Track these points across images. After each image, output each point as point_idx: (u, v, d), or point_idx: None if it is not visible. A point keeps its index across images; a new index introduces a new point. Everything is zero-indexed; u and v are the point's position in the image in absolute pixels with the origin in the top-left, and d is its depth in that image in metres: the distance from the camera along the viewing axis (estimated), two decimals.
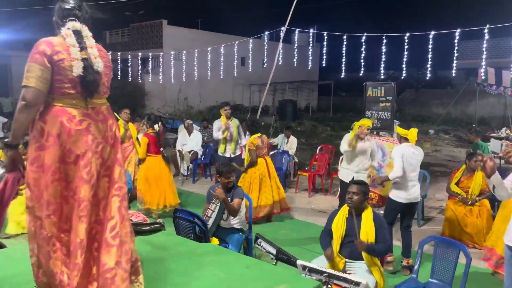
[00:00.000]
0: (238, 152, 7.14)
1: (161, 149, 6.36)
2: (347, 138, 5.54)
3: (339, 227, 3.51)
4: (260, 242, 3.27)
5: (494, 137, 11.88)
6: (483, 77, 11.83)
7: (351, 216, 3.49)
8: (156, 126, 6.33)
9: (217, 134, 7.01)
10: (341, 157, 8.34)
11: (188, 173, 9.15)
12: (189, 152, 9.06)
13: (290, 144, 9.25)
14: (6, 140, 2.13)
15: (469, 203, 5.55)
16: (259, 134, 6.37)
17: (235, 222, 4.27)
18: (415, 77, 25.72)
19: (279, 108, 22.64)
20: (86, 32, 2.20)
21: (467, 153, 7.20)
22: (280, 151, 8.81)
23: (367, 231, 3.38)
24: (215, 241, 3.95)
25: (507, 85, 11.72)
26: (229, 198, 4.22)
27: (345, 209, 3.58)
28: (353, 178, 5.16)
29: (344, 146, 5.49)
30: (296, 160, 9.50)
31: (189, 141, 9.22)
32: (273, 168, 6.38)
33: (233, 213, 4.12)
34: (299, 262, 2.86)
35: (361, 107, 27.35)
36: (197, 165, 9.17)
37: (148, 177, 6.19)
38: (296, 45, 11.76)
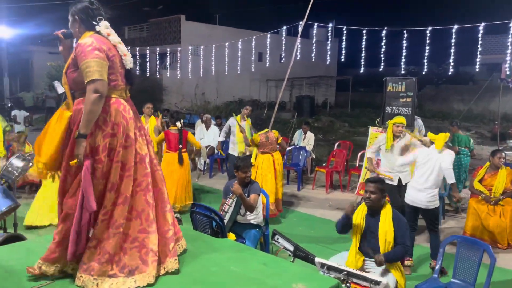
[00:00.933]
0: (247, 153, 7.08)
1: (180, 146, 6.29)
2: (379, 140, 5.45)
3: (358, 223, 3.45)
4: (277, 239, 3.22)
5: None
6: (507, 73, 11.48)
7: (370, 214, 3.42)
8: (178, 124, 6.32)
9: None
10: (359, 154, 8.26)
11: (205, 168, 9.16)
12: (206, 147, 9.07)
13: (308, 140, 9.15)
14: (80, 132, 2.23)
15: (492, 202, 5.40)
16: (265, 130, 6.28)
17: (251, 217, 4.24)
18: (435, 72, 25.20)
19: (296, 103, 22.50)
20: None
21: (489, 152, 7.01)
22: (298, 146, 8.73)
23: (385, 230, 3.30)
24: (232, 236, 3.93)
25: None
26: (246, 194, 4.18)
27: (364, 206, 3.51)
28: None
29: (371, 149, 5.47)
30: (314, 156, 9.41)
31: (207, 136, 9.22)
32: (280, 165, 6.19)
33: (250, 208, 4.08)
34: (317, 259, 2.81)
35: (380, 103, 26.97)
36: (214, 160, 9.17)
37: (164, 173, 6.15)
38: (314, 39, 11.62)
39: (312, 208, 6.71)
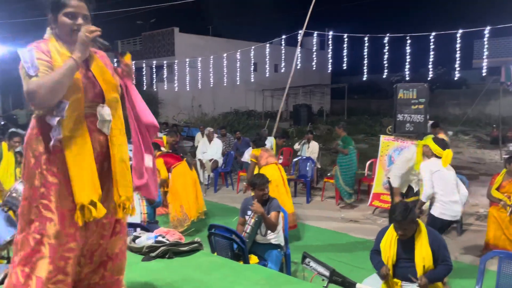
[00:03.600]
0: None
1: (181, 155, 6.21)
2: (407, 159, 5.25)
3: (388, 249, 3.20)
4: (308, 262, 2.98)
5: None
6: (507, 76, 11.46)
7: (402, 240, 3.18)
8: (162, 148, 6.29)
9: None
10: (367, 163, 8.09)
11: (209, 182, 8.92)
12: (210, 160, 8.84)
13: (312, 149, 8.95)
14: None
15: (510, 211, 5.22)
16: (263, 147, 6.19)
17: (272, 237, 4.02)
18: (428, 76, 25.29)
19: (293, 112, 22.39)
20: None
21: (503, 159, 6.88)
22: (304, 157, 8.53)
23: (423, 257, 3.05)
24: (254, 259, 3.71)
25: None
26: (266, 212, 3.97)
27: (393, 231, 3.26)
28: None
29: (400, 171, 5.24)
30: (319, 166, 9.22)
31: (210, 149, 9.01)
32: (285, 175, 5.99)
33: (272, 227, 3.86)
34: (359, 286, 2.59)
35: (375, 109, 26.89)
36: (218, 174, 8.94)
37: (178, 187, 5.95)
38: (314, 48, 11.55)
39: (324, 222, 6.50)
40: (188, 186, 6.07)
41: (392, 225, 3.26)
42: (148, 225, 4.04)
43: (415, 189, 5.36)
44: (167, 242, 3.15)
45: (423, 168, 4.67)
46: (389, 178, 5.54)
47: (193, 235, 5.50)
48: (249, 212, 4.04)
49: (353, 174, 7.29)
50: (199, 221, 6.15)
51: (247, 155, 7.32)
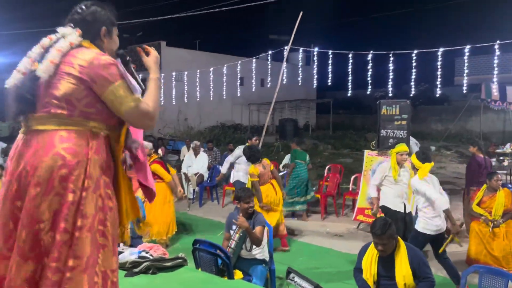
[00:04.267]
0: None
1: (170, 174, 6.05)
2: (383, 169, 5.33)
3: (369, 268, 3.22)
4: (293, 277, 3.00)
5: (500, 153, 11.74)
6: (487, 93, 11.80)
7: (382, 258, 3.21)
8: (159, 151, 6.07)
9: (231, 159, 6.91)
10: (352, 177, 8.17)
11: (194, 196, 8.87)
12: (195, 174, 8.80)
13: None
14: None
15: (490, 229, 5.31)
16: (259, 161, 5.86)
17: (257, 252, 4.01)
18: (411, 93, 25.78)
19: (279, 127, 22.50)
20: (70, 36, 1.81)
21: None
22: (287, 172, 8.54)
23: (403, 275, 3.08)
24: (238, 274, 3.69)
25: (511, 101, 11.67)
26: (251, 226, 3.96)
27: (374, 250, 3.29)
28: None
29: (374, 180, 5.31)
30: None
31: (196, 163, 8.97)
32: (280, 192, 5.89)
33: (257, 242, 3.86)
34: None
35: (360, 124, 27.15)
36: (203, 188, 8.90)
37: (155, 204, 5.80)
38: (300, 64, 11.72)
39: (309, 237, 6.50)
40: (160, 206, 5.77)
41: (372, 243, 3.28)
42: (132, 240, 3.99)
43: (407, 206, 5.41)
44: (151, 257, 3.13)
45: (414, 183, 4.74)
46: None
47: (177, 250, 5.45)
48: (234, 227, 4.04)
49: (301, 185, 7.26)
50: (182, 238, 6.09)
51: (241, 173, 7.12)
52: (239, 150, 7.12)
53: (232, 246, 3.83)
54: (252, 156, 5.83)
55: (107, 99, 1.72)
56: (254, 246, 3.94)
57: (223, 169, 7.72)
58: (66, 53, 1.75)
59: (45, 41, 1.82)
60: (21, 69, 1.76)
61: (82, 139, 1.70)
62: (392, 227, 3.17)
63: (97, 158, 1.72)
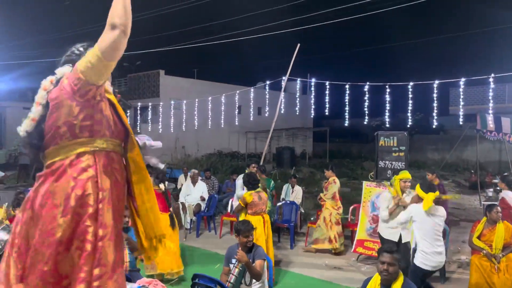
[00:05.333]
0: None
1: (170, 209, 5.99)
2: (387, 199, 5.33)
3: None
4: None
5: (497, 184, 11.77)
6: (482, 124, 11.92)
7: (384, 286, 3.21)
8: (161, 185, 5.98)
9: (242, 192, 6.80)
10: (350, 208, 8.13)
11: (191, 226, 8.77)
12: (192, 204, 8.74)
13: (296, 193, 8.97)
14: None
15: (493, 260, 5.27)
16: (258, 190, 5.82)
17: (257, 287, 3.94)
18: (407, 123, 26.04)
19: (276, 155, 22.54)
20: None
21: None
22: (288, 202, 8.52)
23: None
24: None
25: (507, 131, 11.79)
26: (250, 260, 3.92)
27: (377, 278, 3.29)
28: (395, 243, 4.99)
29: (384, 214, 5.30)
30: (302, 211, 9.19)
31: (194, 192, 8.92)
32: (269, 227, 5.82)
33: (257, 277, 3.81)
34: None
35: (356, 153, 27.26)
36: (200, 218, 8.81)
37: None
38: (298, 94, 11.88)
39: (309, 269, 6.40)
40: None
41: (374, 276, 3.28)
42: (130, 274, 3.93)
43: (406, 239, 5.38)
44: None
45: (409, 210, 4.74)
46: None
47: (176, 285, 5.37)
48: (233, 261, 3.99)
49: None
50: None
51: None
52: (241, 181, 7.14)
53: (232, 281, 3.77)
54: (248, 183, 5.85)
55: (85, 72, 1.74)
56: (254, 281, 3.88)
57: (235, 201, 7.65)
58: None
59: (47, 83, 1.91)
60: (30, 116, 1.87)
61: (90, 158, 1.83)
62: (399, 252, 3.29)
63: (106, 171, 1.86)
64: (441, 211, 4.75)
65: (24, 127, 1.86)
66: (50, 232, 1.72)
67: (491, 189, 13.64)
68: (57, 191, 1.77)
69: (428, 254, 4.46)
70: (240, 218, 5.74)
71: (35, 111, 1.87)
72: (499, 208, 5.69)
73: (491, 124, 11.95)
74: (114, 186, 1.88)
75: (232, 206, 7.69)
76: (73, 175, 1.79)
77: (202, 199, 8.85)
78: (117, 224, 1.87)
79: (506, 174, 10.15)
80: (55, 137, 1.83)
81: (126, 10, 1.68)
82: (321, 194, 7.52)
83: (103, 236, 1.77)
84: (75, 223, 1.75)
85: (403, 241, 5.34)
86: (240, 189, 7.05)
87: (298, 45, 10.20)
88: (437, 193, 4.69)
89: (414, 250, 4.97)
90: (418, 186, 4.81)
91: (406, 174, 5.33)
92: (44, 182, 1.82)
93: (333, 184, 7.26)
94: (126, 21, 1.68)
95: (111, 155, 1.90)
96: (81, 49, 2.00)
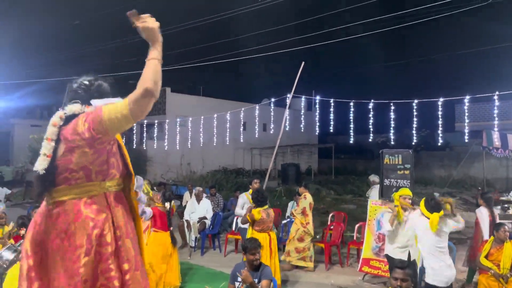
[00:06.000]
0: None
1: (171, 228, 6.01)
2: (388, 216, 5.31)
3: None
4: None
5: (505, 201, 11.66)
6: (488, 141, 11.86)
7: None
8: (167, 204, 6.03)
9: (241, 211, 6.77)
10: (356, 226, 8.08)
11: (196, 244, 8.73)
12: (198, 222, 8.72)
13: None
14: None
15: (501, 280, 5.20)
16: (266, 207, 5.84)
17: None
18: (413, 139, 25.94)
19: (281, 171, 22.51)
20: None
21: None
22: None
23: None
24: None
25: None
26: (256, 279, 3.90)
27: None
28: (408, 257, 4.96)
29: (387, 226, 5.25)
30: None
31: (198, 209, 8.91)
32: (276, 245, 5.80)
33: None
34: None
35: (362, 169, 27.11)
36: (205, 236, 8.78)
37: (157, 253, 5.72)
38: (302, 111, 11.95)
39: None
40: (159, 259, 5.68)
41: None
42: None
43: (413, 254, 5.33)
44: None
45: (412, 220, 4.72)
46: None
47: None
48: (239, 279, 3.97)
49: None
50: None
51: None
52: (242, 199, 7.14)
53: None
54: (257, 200, 5.84)
55: (109, 124, 1.82)
56: None
57: (242, 213, 7.62)
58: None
59: (57, 119, 1.98)
60: (45, 152, 1.93)
61: (102, 200, 1.96)
62: (410, 268, 3.32)
63: (118, 209, 2.00)
64: (448, 224, 4.64)
65: (41, 165, 1.91)
66: (75, 272, 1.79)
67: (499, 207, 13.50)
68: (77, 231, 1.85)
69: (438, 269, 4.40)
70: (247, 236, 5.73)
71: (49, 147, 1.92)
72: (506, 227, 5.64)
73: (497, 141, 11.90)
74: (127, 221, 2.03)
75: (237, 223, 7.65)
76: (90, 216, 1.90)
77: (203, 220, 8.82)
78: (136, 254, 1.99)
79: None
80: (69, 179, 1.91)
81: (158, 76, 1.84)
82: (293, 210, 7.65)
83: (129, 269, 1.91)
84: (97, 261, 1.85)
85: (411, 259, 5.28)
86: (240, 208, 7.04)
87: (303, 63, 10.32)
88: (442, 213, 4.62)
89: (421, 269, 4.92)
90: (422, 204, 4.75)
91: (406, 191, 5.33)
92: (57, 221, 1.89)
93: (303, 200, 7.43)
94: (158, 88, 1.83)
95: (119, 193, 2.07)
96: (87, 83, 2.09)
